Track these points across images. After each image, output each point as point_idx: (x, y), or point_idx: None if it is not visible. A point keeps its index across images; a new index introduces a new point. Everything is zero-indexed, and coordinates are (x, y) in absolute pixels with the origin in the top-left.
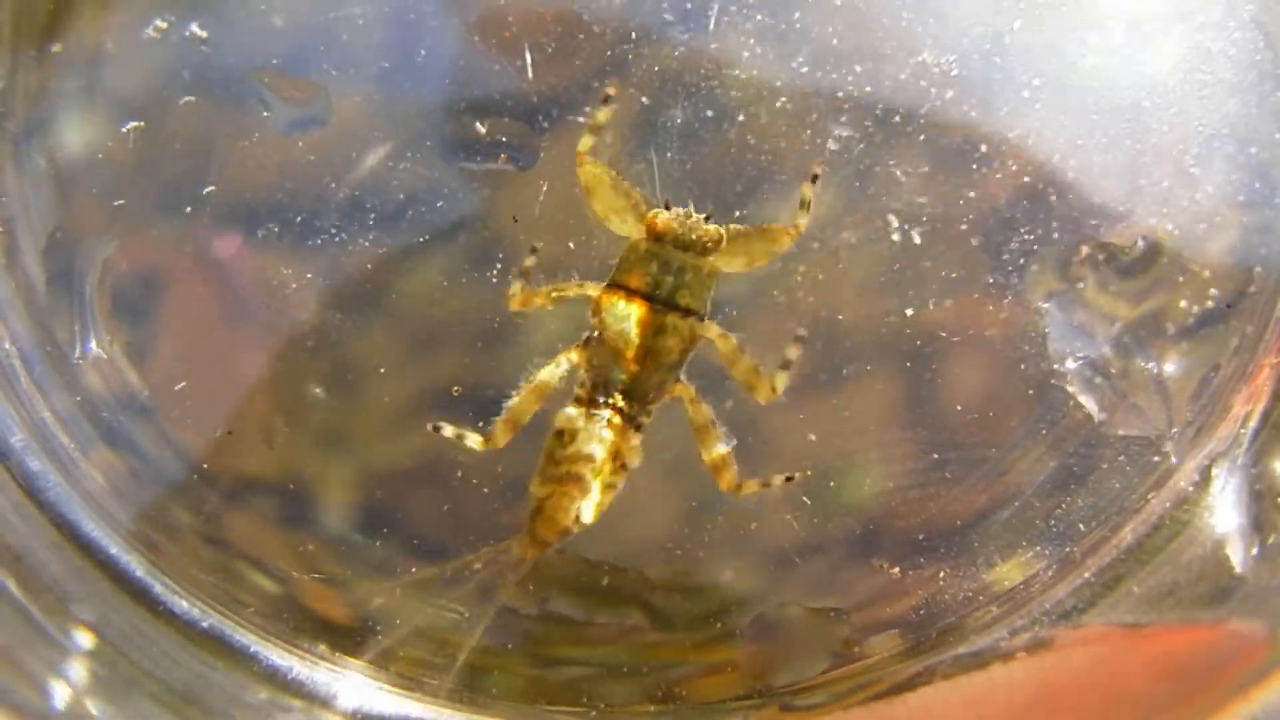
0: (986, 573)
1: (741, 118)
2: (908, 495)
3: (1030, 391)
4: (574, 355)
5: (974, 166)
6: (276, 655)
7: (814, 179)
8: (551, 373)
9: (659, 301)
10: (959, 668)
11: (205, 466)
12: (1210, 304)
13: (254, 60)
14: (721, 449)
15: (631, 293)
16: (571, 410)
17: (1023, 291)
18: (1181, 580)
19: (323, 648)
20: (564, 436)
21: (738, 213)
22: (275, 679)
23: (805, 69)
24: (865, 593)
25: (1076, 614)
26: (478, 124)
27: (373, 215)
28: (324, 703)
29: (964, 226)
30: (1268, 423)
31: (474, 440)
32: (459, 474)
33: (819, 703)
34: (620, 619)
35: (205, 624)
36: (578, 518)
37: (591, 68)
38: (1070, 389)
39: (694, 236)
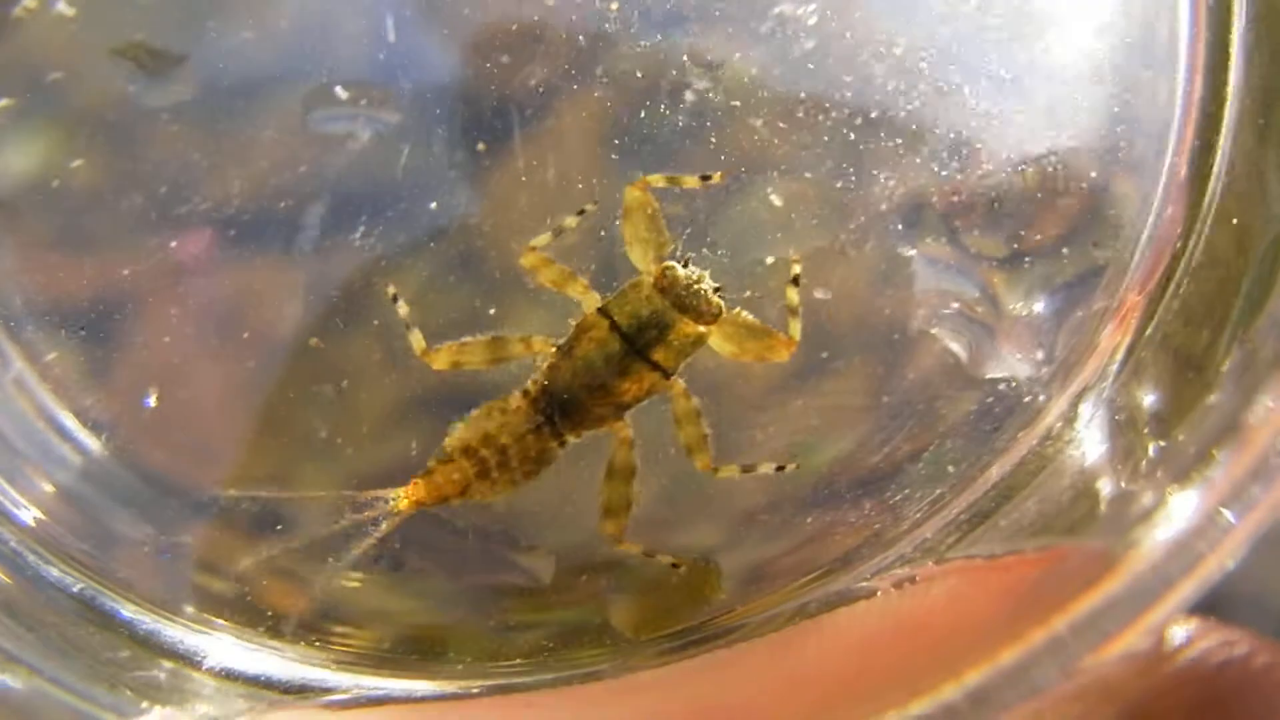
0: (855, 516)
1: (601, 71)
2: (771, 448)
3: (895, 337)
4: (545, 352)
5: (830, 114)
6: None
7: (795, 281)
8: (515, 347)
9: (635, 347)
10: (824, 607)
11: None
12: (1077, 242)
13: (120, 35)
14: (627, 495)
15: (614, 326)
16: (514, 397)
17: (887, 239)
18: (1047, 512)
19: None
20: (493, 414)
21: None
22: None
23: (658, 18)
24: (729, 542)
25: (944, 549)
26: (338, 88)
27: (237, 181)
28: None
29: (826, 177)
30: (1132, 356)
31: (418, 340)
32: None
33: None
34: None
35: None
36: (463, 493)
37: (455, 31)
38: (937, 334)
39: (694, 302)
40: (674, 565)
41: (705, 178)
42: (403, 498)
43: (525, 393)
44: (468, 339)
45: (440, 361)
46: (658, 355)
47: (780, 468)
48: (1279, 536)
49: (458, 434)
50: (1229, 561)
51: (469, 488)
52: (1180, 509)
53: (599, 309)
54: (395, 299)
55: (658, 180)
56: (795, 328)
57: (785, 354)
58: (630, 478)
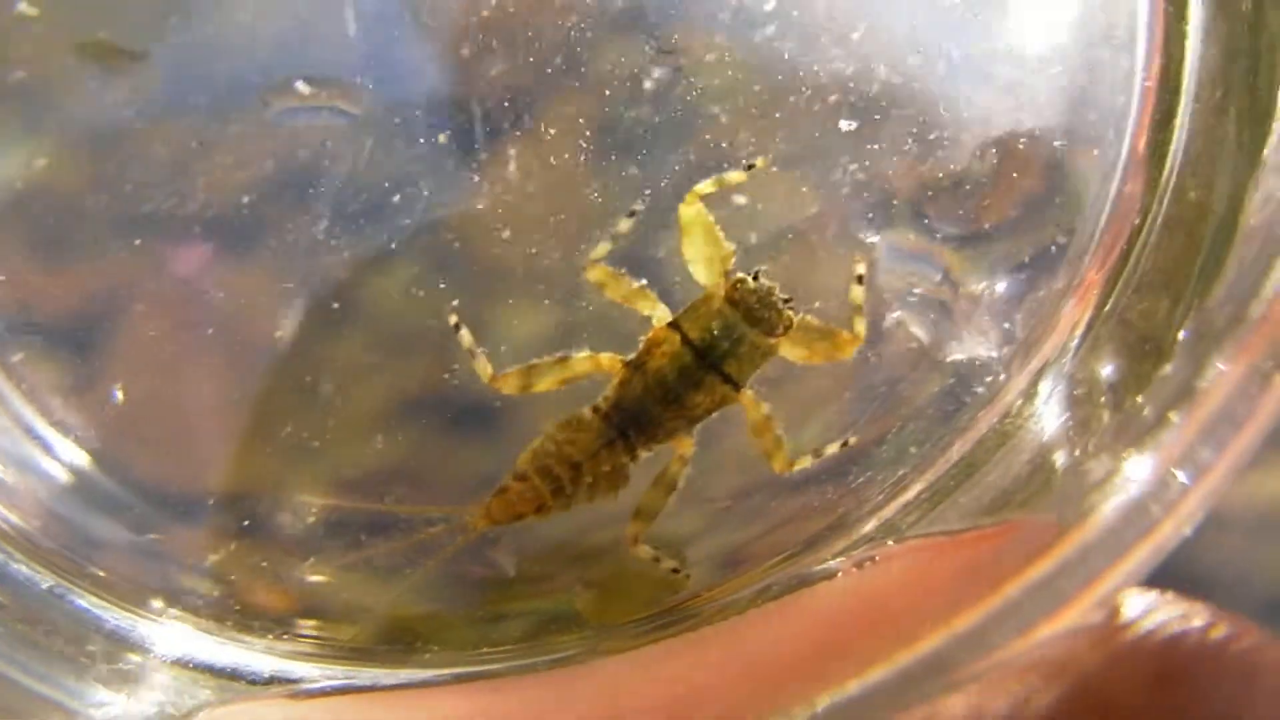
0: (819, 501)
1: (562, 61)
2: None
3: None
4: (615, 367)
5: (790, 100)
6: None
7: (859, 280)
8: (583, 365)
9: (707, 360)
10: (786, 589)
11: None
12: (1037, 222)
13: (83, 33)
14: (661, 506)
15: (686, 339)
16: (586, 413)
17: (849, 224)
18: (1007, 487)
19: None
20: (567, 429)
21: None
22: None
23: (619, 7)
24: (705, 529)
25: (906, 528)
26: (299, 83)
27: (201, 177)
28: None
29: (787, 163)
30: (1091, 331)
31: (484, 367)
32: (430, 480)
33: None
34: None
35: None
36: (539, 510)
37: (415, 23)
38: (899, 317)
39: (767, 314)
40: (674, 571)
41: (749, 166)
42: (478, 517)
43: (596, 409)
44: (535, 361)
45: (510, 386)
46: (730, 368)
47: (844, 443)
48: (1260, 522)
49: (531, 451)
50: (1185, 527)
51: (543, 506)
52: (1133, 473)
53: (670, 323)
54: (458, 327)
55: (708, 187)
56: (860, 325)
57: (851, 351)
58: (671, 491)
